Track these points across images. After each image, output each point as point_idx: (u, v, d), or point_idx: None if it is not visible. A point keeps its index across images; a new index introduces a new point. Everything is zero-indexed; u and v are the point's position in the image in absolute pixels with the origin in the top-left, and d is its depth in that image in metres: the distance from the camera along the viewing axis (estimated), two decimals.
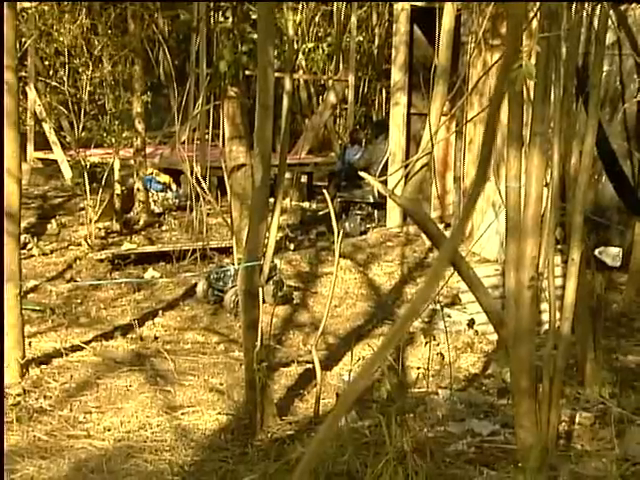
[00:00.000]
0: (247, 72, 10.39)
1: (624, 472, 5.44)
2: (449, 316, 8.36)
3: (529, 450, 5.23)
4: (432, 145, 5.42)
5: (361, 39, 19.02)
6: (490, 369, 7.54)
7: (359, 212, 12.39)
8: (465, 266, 5.63)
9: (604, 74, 9.35)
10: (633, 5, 9.58)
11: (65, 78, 11.96)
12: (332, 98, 16.59)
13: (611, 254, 10.15)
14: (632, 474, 5.43)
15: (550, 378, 5.54)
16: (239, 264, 6.68)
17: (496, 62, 6.49)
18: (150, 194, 13.06)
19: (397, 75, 12.12)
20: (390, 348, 5.52)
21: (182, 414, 6.40)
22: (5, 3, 6.73)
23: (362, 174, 5.70)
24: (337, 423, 4.77)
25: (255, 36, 8.28)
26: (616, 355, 7.84)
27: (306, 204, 14.34)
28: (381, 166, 12.30)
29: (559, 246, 7.65)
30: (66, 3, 12.75)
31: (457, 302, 8.96)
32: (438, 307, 8.40)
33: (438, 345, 7.13)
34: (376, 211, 12.46)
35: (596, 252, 9.95)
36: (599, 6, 6.36)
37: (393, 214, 11.89)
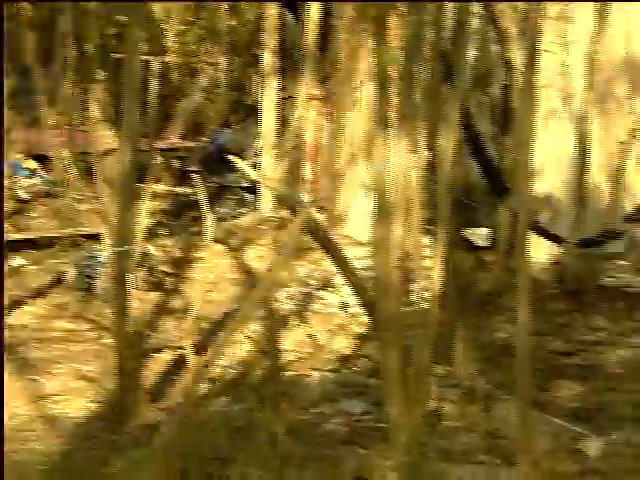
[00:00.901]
0: (115, 55, 10.24)
1: (491, 446, 5.60)
2: (322, 298, 8.43)
3: (399, 428, 5.32)
4: (301, 128, 5.43)
5: (233, 23, 18.93)
6: (362, 350, 7.63)
7: (232, 196, 12.35)
8: (336, 248, 5.67)
9: (471, 59, 9.54)
10: None
11: None
12: (203, 82, 16.47)
13: (480, 234, 10.38)
14: (498, 447, 5.59)
15: (419, 357, 5.64)
16: (110, 250, 6.58)
17: (364, 45, 6.57)
18: (16, 180, 12.73)
19: (268, 59, 12.10)
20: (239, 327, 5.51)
21: (51, 403, 6.28)
22: None
23: (232, 158, 5.68)
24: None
25: (123, 18, 8.15)
26: (484, 332, 8.04)
27: (178, 189, 14.20)
28: (254, 150, 12.28)
29: (427, 227, 7.78)
30: None
31: (330, 284, 9.03)
32: (311, 290, 8.48)
33: (311, 327, 7.19)
34: (249, 195, 12.43)
35: (465, 232, 10.17)
36: None
37: (266, 198, 11.88)
